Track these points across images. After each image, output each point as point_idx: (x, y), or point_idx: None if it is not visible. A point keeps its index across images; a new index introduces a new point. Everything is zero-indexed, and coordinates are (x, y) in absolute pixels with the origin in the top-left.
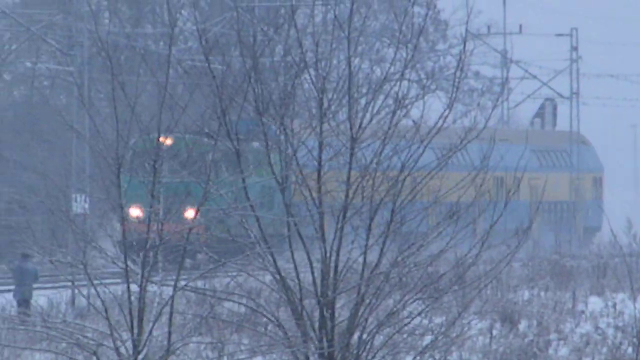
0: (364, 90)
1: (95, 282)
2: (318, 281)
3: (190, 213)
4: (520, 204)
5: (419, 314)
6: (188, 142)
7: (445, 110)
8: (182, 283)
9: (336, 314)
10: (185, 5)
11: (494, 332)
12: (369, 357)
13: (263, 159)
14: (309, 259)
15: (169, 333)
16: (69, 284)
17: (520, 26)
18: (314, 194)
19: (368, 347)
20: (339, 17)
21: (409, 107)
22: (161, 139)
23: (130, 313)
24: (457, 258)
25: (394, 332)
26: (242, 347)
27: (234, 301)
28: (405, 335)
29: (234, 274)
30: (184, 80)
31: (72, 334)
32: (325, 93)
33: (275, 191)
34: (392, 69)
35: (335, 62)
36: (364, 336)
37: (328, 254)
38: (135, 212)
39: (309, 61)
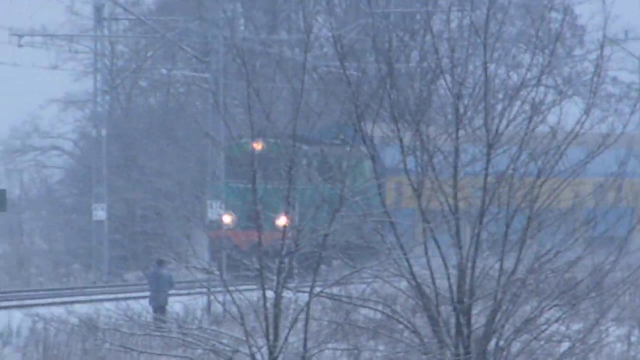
0: (500, 96)
1: (231, 288)
2: (454, 287)
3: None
4: None
5: (556, 320)
6: (280, 146)
7: (582, 116)
8: (318, 289)
9: (472, 321)
10: (320, 12)
11: (632, 339)
12: None
13: (398, 165)
14: (445, 265)
15: (305, 339)
16: (205, 290)
17: None
18: (450, 200)
19: (505, 353)
20: (475, 23)
21: (546, 113)
22: (253, 144)
23: (266, 319)
24: (595, 264)
25: (531, 339)
26: (378, 354)
27: (369, 307)
28: (542, 342)
29: (370, 280)
30: (319, 86)
31: (207, 340)
32: (461, 99)
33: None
34: (528, 75)
35: (471, 67)
36: (501, 343)
37: (464, 260)
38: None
39: (445, 67)
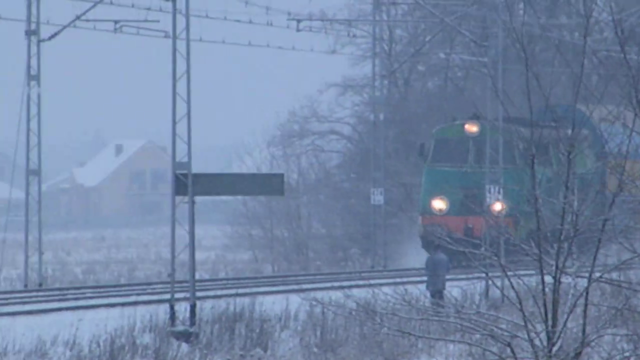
0: None
1: (510, 273)
2: None
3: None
4: None
5: None
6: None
7: None
8: (597, 275)
9: None
10: None
11: None
12: None
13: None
14: None
15: (584, 325)
16: (483, 275)
17: None
18: None
19: None
20: None
21: None
22: (467, 126)
23: (545, 304)
24: None
25: None
26: None
27: None
28: None
29: None
30: (598, 71)
31: (485, 325)
32: None
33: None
34: None
35: None
36: None
37: None
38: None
39: None
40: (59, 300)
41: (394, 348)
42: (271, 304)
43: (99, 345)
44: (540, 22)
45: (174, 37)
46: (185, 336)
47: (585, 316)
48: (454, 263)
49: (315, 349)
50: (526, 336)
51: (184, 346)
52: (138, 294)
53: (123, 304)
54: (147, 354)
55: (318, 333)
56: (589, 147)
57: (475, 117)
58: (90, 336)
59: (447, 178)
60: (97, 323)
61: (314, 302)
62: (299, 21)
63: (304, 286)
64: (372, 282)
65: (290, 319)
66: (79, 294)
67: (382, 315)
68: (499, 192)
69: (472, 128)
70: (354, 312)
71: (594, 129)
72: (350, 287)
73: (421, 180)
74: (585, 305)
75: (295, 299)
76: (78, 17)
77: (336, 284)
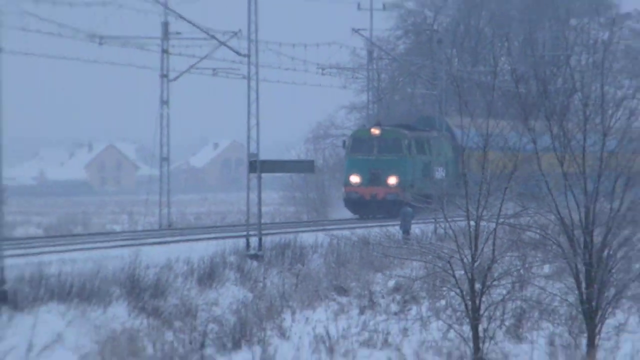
0: (611, 105)
1: (450, 219)
2: (583, 219)
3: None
4: None
5: None
6: (386, 132)
7: None
8: (502, 220)
9: (594, 240)
10: None
11: None
12: (613, 264)
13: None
14: (577, 206)
15: (493, 250)
16: (433, 220)
17: None
18: (581, 168)
19: (614, 258)
20: (596, 61)
21: (638, 115)
22: (372, 130)
23: (470, 238)
24: None
25: (629, 250)
26: (537, 258)
27: (532, 231)
28: (636, 251)
29: (532, 214)
30: (501, 100)
31: (435, 250)
32: (587, 106)
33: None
34: (629, 92)
35: (593, 88)
36: (610, 252)
37: (589, 203)
38: None
39: (578, 87)
40: (180, 235)
41: (380, 264)
42: (306, 238)
43: (203, 262)
44: (467, 69)
45: (249, 80)
46: (255, 257)
47: (494, 245)
48: (381, 214)
49: (332, 265)
50: (459, 257)
51: (254, 263)
52: (227, 232)
53: (218, 238)
54: (232, 268)
55: (335, 255)
56: (443, 142)
57: (377, 124)
58: (199, 256)
59: (360, 163)
60: (204, 249)
61: (332, 237)
62: (323, 69)
63: (327, 227)
64: (368, 224)
65: (318, 247)
66: (192, 232)
67: (373, 245)
68: (393, 172)
69: (375, 131)
70: (355, 243)
71: (452, 132)
72: (353, 227)
73: (344, 164)
74: (494, 238)
75: (320, 235)
76: (192, 67)
77: (345, 225)
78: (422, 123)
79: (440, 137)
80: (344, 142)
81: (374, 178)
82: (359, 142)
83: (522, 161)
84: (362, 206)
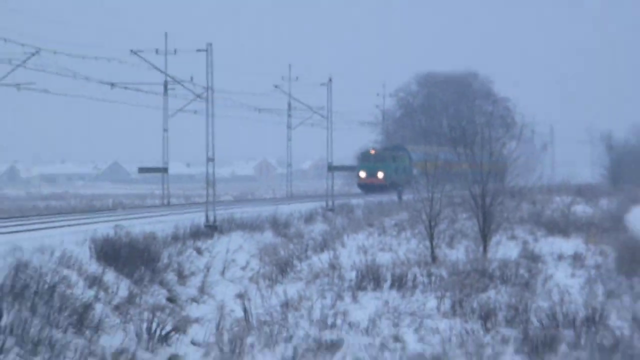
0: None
1: (416, 193)
2: (480, 192)
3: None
4: None
5: None
6: (379, 152)
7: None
8: (443, 193)
9: (485, 201)
10: None
11: None
12: (493, 213)
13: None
14: (478, 186)
15: (439, 206)
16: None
17: None
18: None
19: (492, 210)
20: (486, 113)
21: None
22: (371, 151)
23: (430, 202)
24: None
25: (499, 206)
26: (460, 209)
27: (458, 197)
28: (500, 206)
29: (458, 189)
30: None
31: (413, 207)
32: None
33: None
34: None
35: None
36: (491, 207)
37: (484, 185)
38: None
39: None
40: (296, 200)
41: (388, 213)
42: (355, 201)
43: (306, 212)
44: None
45: (329, 126)
46: (331, 210)
47: (440, 204)
48: (375, 192)
49: (367, 213)
50: (424, 210)
51: (330, 213)
52: (317, 200)
53: (314, 201)
54: (319, 215)
55: (367, 210)
56: (405, 158)
57: (373, 148)
58: (305, 209)
59: (364, 166)
60: (307, 207)
61: (367, 201)
62: (362, 123)
63: (365, 197)
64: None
65: (360, 206)
66: (302, 199)
67: (384, 205)
68: (380, 171)
69: (372, 151)
70: (376, 204)
71: (408, 152)
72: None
73: (357, 167)
74: (440, 201)
75: (361, 200)
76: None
77: (371, 196)
78: (394, 148)
79: (403, 155)
80: (358, 157)
81: (371, 174)
82: (364, 156)
83: (445, 166)
84: (366, 188)
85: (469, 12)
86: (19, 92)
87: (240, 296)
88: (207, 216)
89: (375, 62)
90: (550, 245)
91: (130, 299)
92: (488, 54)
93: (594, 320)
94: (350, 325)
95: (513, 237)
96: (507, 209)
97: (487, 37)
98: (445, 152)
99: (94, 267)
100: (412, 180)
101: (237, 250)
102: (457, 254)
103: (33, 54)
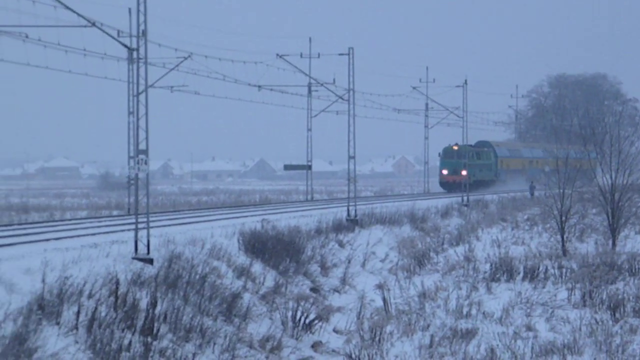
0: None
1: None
2: (610, 187)
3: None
4: None
5: None
6: (462, 148)
7: None
8: (574, 189)
9: (615, 197)
10: None
11: None
12: (622, 208)
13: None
14: (608, 182)
15: (570, 202)
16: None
17: None
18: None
19: (622, 205)
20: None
21: None
22: (454, 146)
23: (561, 197)
24: None
25: (628, 202)
26: (590, 205)
27: (588, 193)
28: (630, 202)
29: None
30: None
31: (544, 202)
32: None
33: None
34: None
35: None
36: (620, 203)
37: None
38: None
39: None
40: (432, 196)
41: (521, 207)
42: (489, 197)
43: (439, 210)
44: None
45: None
46: (466, 205)
47: (570, 200)
48: (458, 190)
49: (501, 208)
50: (555, 205)
51: (465, 208)
52: (451, 196)
53: (450, 198)
54: (455, 209)
55: (500, 205)
56: (490, 154)
57: (456, 144)
58: (441, 204)
59: (447, 163)
60: (442, 202)
61: (501, 196)
62: (496, 123)
63: (483, 193)
64: None
65: (494, 202)
66: (436, 195)
67: (517, 200)
68: (464, 168)
69: (455, 147)
70: (509, 200)
71: (493, 148)
72: (501, 193)
73: (439, 164)
74: (570, 197)
75: (495, 196)
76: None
77: (500, 193)
78: (478, 144)
79: (488, 151)
80: (439, 153)
81: (454, 171)
82: (446, 152)
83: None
84: (448, 186)
85: (599, 14)
86: (172, 93)
87: (380, 287)
88: (348, 211)
89: (509, 65)
90: None
91: (276, 289)
92: (617, 54)
93: None
94: (484, 314)
95: None
96: (636, 204)
97: (617, 38)
98: (564, 150)
99: (242, 259)
100: (497, 178)
101: (377, 243)
102: (587, 247)
103: (185, 58)
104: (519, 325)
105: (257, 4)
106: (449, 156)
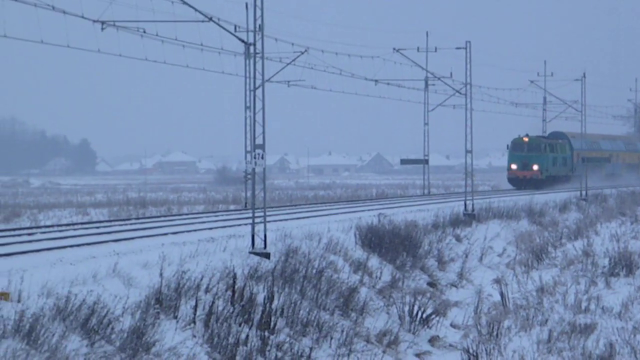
0: None
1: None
2: None
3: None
4: None
5: None
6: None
7: None
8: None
9: None
10: None
11: None
12: None
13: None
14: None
15: None
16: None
17: None
18: None
19: None
20: None
21: None
22: (524, 138)
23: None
24: None
25: None
26: None
27: None
28: None
29: None
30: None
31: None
32: None
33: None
34: None
35: None
36: None
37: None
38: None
39: None
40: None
41: (638, 202)
42: (608, 191)
43: (557, 204)
44: None
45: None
46: (585, 200)
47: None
48: (529, 187)
49: (620, 202)
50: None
51: (583, 202)
52: (570, 190)
53: (570, 192)
54: (573, 204)
55: (619, 199)
56: (565, 146)
57: (526, 135)
58: (559, 199)
59: (516, 157)
60: (561, 196)
61: (620, 190)
62: (614, 116)
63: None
64: None
65: (613, 196)
66: (553, 188)
67: (637, 194)
68: (535, 163)
69: (525, 139)
70: (629, 193)
71: (569, 139)
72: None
73: (507, 158)
74: None
75: (614, 190)
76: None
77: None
78: (552, 135)
79: (563, 143)
80: (507, 145)
81: (524, 166)
82: (515, 144)
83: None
84: (517, 182)
85: None
86: (289, 88)
87: (497, 281)
88: (465, 205)
89: (629, 57)
90: None
91: (393, 284)
92: None
93: None
94: (603, 309)
95: None
96: None
97: None
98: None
99: (358, 253)
100: (573, 173)
101: (494, 238)
102: None
103: (302, 53)
104: (638, 320)
105: None
106: (518, 149)
